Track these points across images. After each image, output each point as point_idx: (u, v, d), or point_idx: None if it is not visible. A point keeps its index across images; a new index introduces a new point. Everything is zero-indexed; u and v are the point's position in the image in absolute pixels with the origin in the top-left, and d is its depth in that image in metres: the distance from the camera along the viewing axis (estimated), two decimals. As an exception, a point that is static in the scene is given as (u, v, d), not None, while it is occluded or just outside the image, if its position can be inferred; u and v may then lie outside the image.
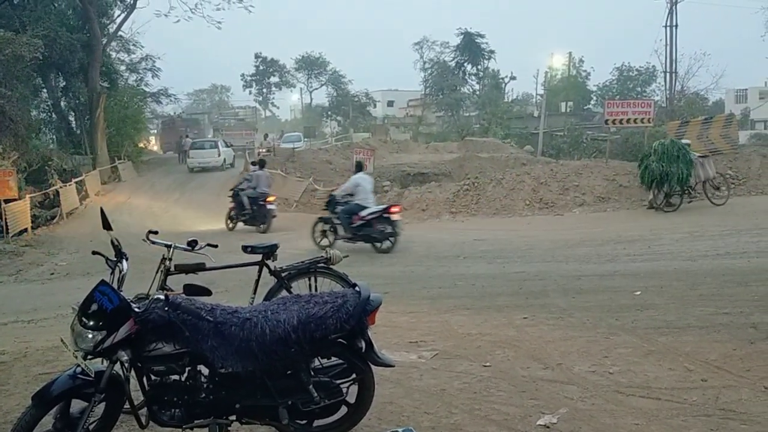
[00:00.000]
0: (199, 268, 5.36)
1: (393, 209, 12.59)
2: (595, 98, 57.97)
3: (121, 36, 35.19)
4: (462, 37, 61.37)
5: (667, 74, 41.13)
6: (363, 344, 3.92)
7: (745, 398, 4.44)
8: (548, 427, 4.14)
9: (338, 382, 3.97)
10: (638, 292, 7.67)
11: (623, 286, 8.12)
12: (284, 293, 5.52)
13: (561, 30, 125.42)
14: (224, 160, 34.34)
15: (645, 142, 25.22)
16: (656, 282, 8.19)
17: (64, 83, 32.10)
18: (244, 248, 5.77)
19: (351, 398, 4.05)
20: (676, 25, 39.61)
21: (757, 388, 4.58)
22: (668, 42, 39.97)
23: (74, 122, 33.39)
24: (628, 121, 22.84)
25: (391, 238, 12.34)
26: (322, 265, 5.71)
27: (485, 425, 4.24)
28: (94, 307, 3.55)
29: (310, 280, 5.81)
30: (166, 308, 3.61)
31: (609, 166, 21.39)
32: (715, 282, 8.00)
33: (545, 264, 10.30)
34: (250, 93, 76.56)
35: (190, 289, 3.66)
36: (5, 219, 18.47)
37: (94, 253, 4.52)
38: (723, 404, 4.35)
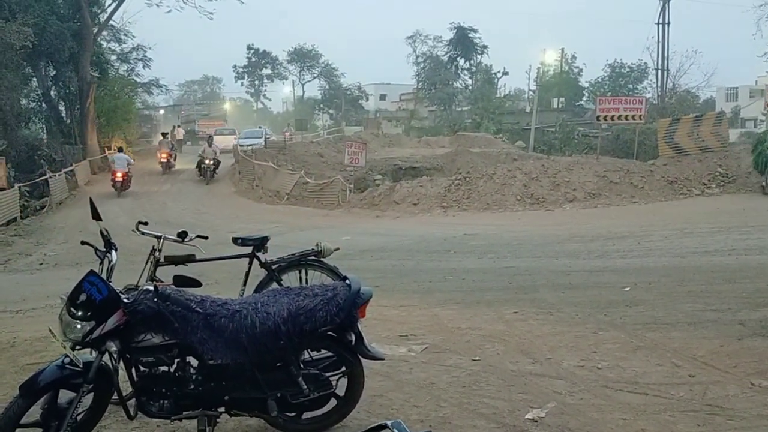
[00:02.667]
0: (189, 259, 5.34)
1: (116, 175, 23.58)
2: (586, 94, 57.94)
3: (112, 25, 34.80)
4: (455, 31, 61.15)
5: (659, 71, 41.35)
6: (353, 337, 3.92)
7: (732, 394, 4.47)
8: (536, 421, 4.16)
9: (328, 374, 3.97)
10: (627, 288, 7.71)
11: (612, 282, 8.16)
12: (274, 285, 5.50)
13: (554, 26, 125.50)
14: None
15: (636, 139, 25.38)
16: (645, 278, 8.23)
17: (54, 72, 31.72)
18: (235, 240, 5.75)
19: (340, 391, 4.05)
20: (669, 23, 39.85)
21: (743, 384, 4.62)
22: (660, 39, 40.20)
23: (64, 112, 33.06)
24: (619, 117, 22.93)
25: (120, 190, 23.44)
26: (312, 257, 5.70)
27: (474, 419, 4.25)
28: (83, 297, 3.53)
29: (300, 272, 5.80)
30: (156, 299, 3.59)
31: (600, 162, 21.44)
32: (703, 279, 8.05)
33: (535, 259, 10.32)
34: (242, 85, 76.31)
35: (180, 281, 3.65)
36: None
37: (83, 243, 4.50)
38: (710, 400, 4.39)
